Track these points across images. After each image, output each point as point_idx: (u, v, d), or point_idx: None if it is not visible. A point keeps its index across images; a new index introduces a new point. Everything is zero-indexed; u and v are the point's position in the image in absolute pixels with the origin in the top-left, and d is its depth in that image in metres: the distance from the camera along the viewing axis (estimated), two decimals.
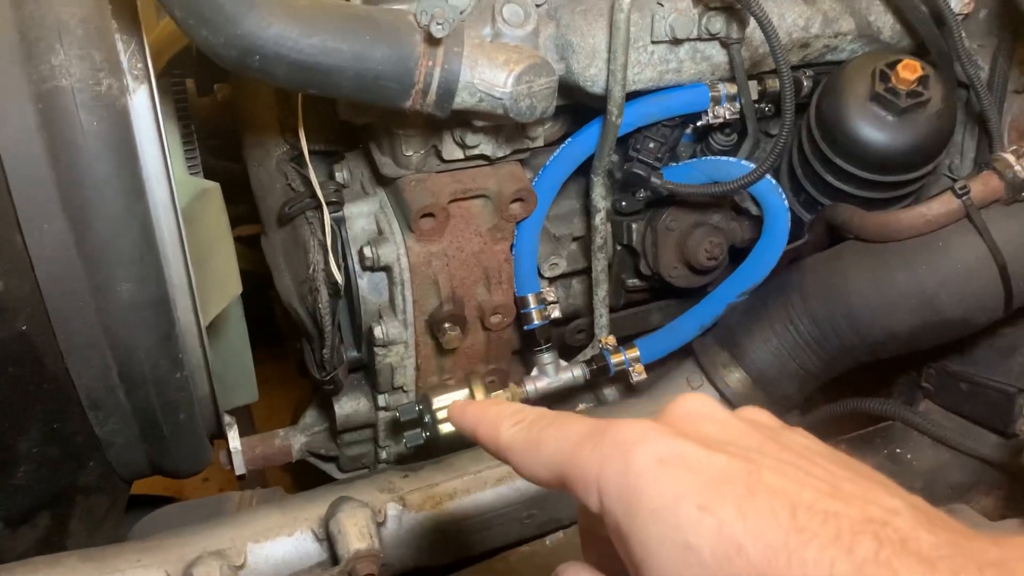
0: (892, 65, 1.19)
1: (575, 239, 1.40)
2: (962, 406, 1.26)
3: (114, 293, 1.04)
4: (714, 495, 0.45)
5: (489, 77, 1.03)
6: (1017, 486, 1.19)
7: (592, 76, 1.18)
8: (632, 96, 1.22)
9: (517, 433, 0.56)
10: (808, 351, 1.23)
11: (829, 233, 1.29)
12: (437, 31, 0.95)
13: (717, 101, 1.25)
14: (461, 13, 1.09)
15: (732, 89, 1.25)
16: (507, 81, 1.03)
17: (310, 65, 0.96)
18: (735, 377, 1.28)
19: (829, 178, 1.27)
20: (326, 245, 1.20)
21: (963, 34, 1.30)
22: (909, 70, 1.17)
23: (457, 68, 1.00)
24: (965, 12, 1.30)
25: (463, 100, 1.03)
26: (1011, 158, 1.09)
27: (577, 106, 1.27)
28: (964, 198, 1.10)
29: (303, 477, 1.77)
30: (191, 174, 1.33)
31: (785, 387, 1.26)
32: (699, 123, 1.27)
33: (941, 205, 1.12)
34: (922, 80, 1.18)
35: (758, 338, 1.26)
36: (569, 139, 1.27)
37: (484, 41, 1.06)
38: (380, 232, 1.25)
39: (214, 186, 1.38)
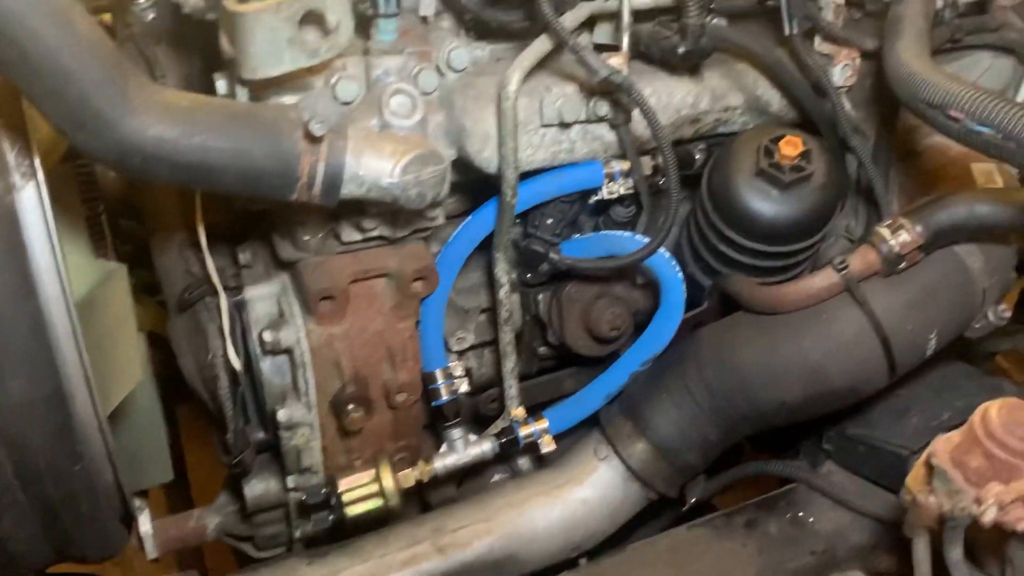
0: (776, 140, 1.23)
1: (483, 311, 1.42)
2: (861, 467, 1.29)
3: (4, 391, 1.03)
4: None
5: (375, 168, 1.04)
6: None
7: (486, 159, 1.21)
8: (528, 175, 1.25)
9: None
10: (707, 421, 1.25)
11: (726, 300, 1.32)
12: (316, 129, 0.96)
13: (611, 177, 1.28)
14: (349, 103, 1.12)
15: (626, 165, 1.28)
16: (394, 171, 1.05)
17: (192, 165, 0.97)
18: (639, 448, 1.30)
19: (723, 248, 1.30)
20: (224, 332, 1.20)
21: (846, 106, 1.36)
22: (791, 146, 1.21)
23: (341, 161, 1.02)
24: (848, 85, 1.35)
25: (351, 191, 1.05)
26: (886, 232, 1.13)
27: (478, 182, 1.30)
28: (844, 272, 1.14)
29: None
30: (98, 256, 1.33)
31: (687, 457, 1.28)
32: (595, 198, 1.30)
33: (823, 279, 1.15)
34: (804, 155, 1.22)
35: (659, 409, 1.28)
36: (470, 217, 1.30)
37: (371, 132, 1.08)
38: (281, 315, 1.25)
39: (119, 268, 1.37)
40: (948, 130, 1.00)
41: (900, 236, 1.13)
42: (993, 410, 0.90)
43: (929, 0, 1.26)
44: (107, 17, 1.52)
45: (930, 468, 0.96)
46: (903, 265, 1.14)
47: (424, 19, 1.25)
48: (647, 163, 1.30)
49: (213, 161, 0.98)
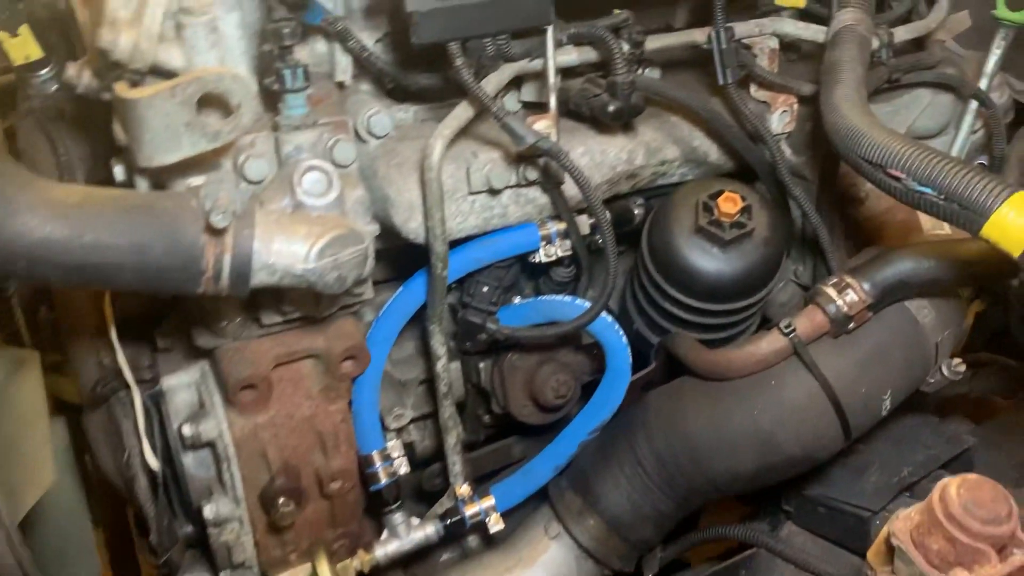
0: (714, 196, 1.18)
1: (422, 382, 1.35)
2: (823, 529, 1.24)
3: None
4: None
5: (288, 254, 0.97)
6: None
7: (413, 229, 1.14)
8: (460, 241, 1.19)
9: None
10: (659, 493, 1.19)
11: (673, 360, 1.27)
12: (217, 221, 0.89)
13: (548, 240, 1.22)
14: (259, 183, 1.05)
15: (563, 226, 1.23)
16: (309, 256, 0.98)
17: (85, 266, 0.89)
18: (591, 524, 1.23)
19: (666, 305, 1.25)
20: (139, 431, 1.12)
21: (786, 152, 1.31)
22: (731, 202, 1.17)
23: (249, 250, 0.95)
24: (787, 131, 1.31)
25: (262, 280, 0.97)
26: (832, 292, 1.09)
27: (409, 247, 1.23)
28: (791, 335, 1.09)
29: None
30: (6, 343, 1.25)
31: (641, 531, 1.22)
32: (533, 260, 1.24)
33: (769, 344, 1.10)
34: (745, 210, 1.17)
35: (610, 482, 1.22)
36: (400, 288, 1.23)
37: (283, 214, 1.01)
38: (202, 405, 1.17)
39: (31, 355, 1.29)
40: (889, 189, 0.96)
41: (847, 296, 1.08)
42: (952, 489, 0.85)
43: (864, 42, 1.22)
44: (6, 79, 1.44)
45: (891, 547, 0.91)
46: (852, 325, 1.09)
47: (341, 85, 1.19)
48: (585, 222, 1.24)
49: (108, 260, 0.90)
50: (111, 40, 0.93)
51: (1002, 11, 1.36)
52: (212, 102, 0.94)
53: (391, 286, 1.32)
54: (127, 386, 1.13)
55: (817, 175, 1.37)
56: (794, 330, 1.09)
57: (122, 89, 0.92)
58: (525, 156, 1.13)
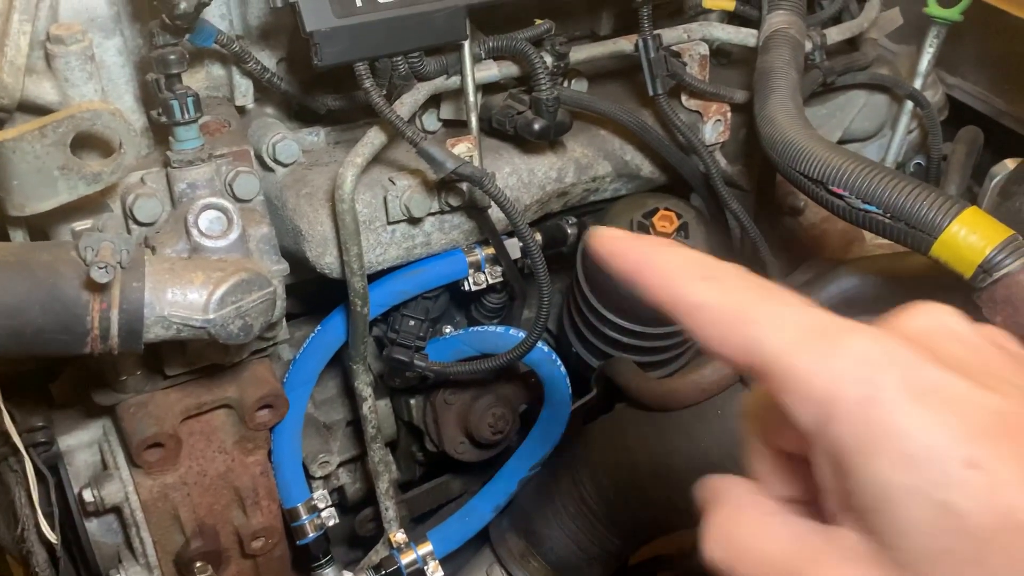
0: (649, 215, 1.12)
1: (349, 423, 1.26)
2: None
3: None
4: (989, 448, 0.36)
5: (184, 304, 0.88)
6: None
7: (328, 264, 1.06)
8: (381, 273, 1.10)
9: (711, 293, 0.43)
10: (605, 531, 1.13)
11: (614, 387, 1.20)
12: (99, 276, 0.79)
13: (476, 266, 1.15)
14: (151, 224, 0.95)
15: (492, 251, 1.15)
16: (208, 305, 0.88)
17: None
18: (534, 567, 1.16)
19: (605, 329, 1.18)
20: (33, 500, 1.01)
21: (721, 162, 1.26)
22: (666, 221, 1.10)
23: (139, 304, 0.85)
24: (721, 141, 1.25)
25: (157, 334, 0.88)
26: None
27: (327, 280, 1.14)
28: None
29: None
30: None
31: (588, 572, 1.16)
32: (462, 288, 1.16)
33: (713, 372, 1.04)
34: (681, 228, 1.11)
35: (553, 523, 1.15)
36: (319, 327, 1.14)
37: (177, 261, 0.91)
38: (105, 467, 1.07)
39: None
40: (831, 206, 0.90)
41: None
42: None
43: (797, 46, 1.16)
44: None
45: None
46: None
47: (242, 109, 1.09)
48: (515, 245, 1.17)
49: None
50: None
51: (933, 8, 1.32)
52: (90, 141, 0.84)
53: (311, 319, 1.24)
54: (16, 452, 1.03)
55: (754, 184, 1.31)
56: None
57: None
58: (447, 181, 1.05)
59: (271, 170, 1.09)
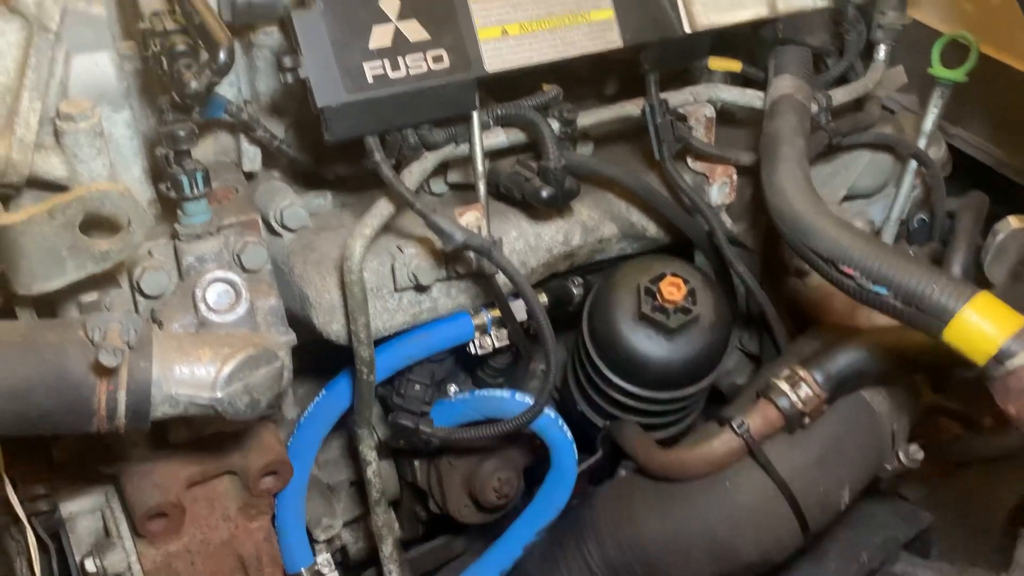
0: (656, 281, 1.12)
1: (352, 483, 1.25)
2: None
3: None
4: None
5: (192, 383, 0.87)
6: None
7: (336, 332, 1.05)
8: (388, 337, 1.10)
9: None
10: None
11: (620, 449, 1.20)
12: (108, 361, 0.79)
13: (483, 330, 1.14)
14: (158, 297, 0.94)
15: (498, 313, 1.15)
16: (216, 383, 0.87)
17: None
18: None
19: (610, 392, 1.18)
20: (35, 571, 1.00)
21: (727, 222, 1.26)
22: (674, 287, 1.10)
23: (147, 384, 0.84)
24: (726, 202, 1.25)
25: (164, 412, 0.87)
26: (785, 387, 1.03)
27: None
28: (744, 435, 1.02)
29: None
30: None
31: None
32: (468, 351, 1.16)
33: (722, 444, 1.04)
34: (689, 294, 1.11)
35: None
36: (323, 391, 1.13)
37: (185, 337, 0.90)
38: (107, 534, 1.06)
39: None
40: (841, 285, 0.90)
41: (801, 391, 1.02)
42: None
43: (803, 111, 1.17)
44: None
45: None
46: (807, 421, 1.03)
47: (249, 174, 1.09)
48: (521, 307, 1.16)
49: None
50: None
51: (938, 69, 1.33)
52: (98, 221, 0.84)
53: (314, 376, 1.23)
54: (16, 520, 1.01)
55: (759, 243, 1.32)
56: (747, 429, 1.02)
57: None
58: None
59: (278, 235, 1.09)
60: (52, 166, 0.87)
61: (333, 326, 1.05)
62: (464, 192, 1.15)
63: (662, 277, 1.12)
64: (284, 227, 1.08)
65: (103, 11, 0.87)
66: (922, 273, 0.83)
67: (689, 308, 1.11)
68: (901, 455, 1.08)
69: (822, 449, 1.04)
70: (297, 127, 1.08)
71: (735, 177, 1.24)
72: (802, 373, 1.02)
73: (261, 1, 0.97)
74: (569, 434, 1.16)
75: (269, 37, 1.02)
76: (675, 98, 1.21)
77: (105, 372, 0.82)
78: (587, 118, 1.15)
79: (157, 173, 0.94)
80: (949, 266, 1.14)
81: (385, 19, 0.94)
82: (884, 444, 1.08)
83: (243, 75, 1.05)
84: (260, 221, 1.03)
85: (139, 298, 0.94)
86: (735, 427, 1.02)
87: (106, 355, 0.79)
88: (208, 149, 1.07)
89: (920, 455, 1.09)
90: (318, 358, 1.21)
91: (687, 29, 1.12)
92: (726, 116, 1.31)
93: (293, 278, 1.07)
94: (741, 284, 1.24)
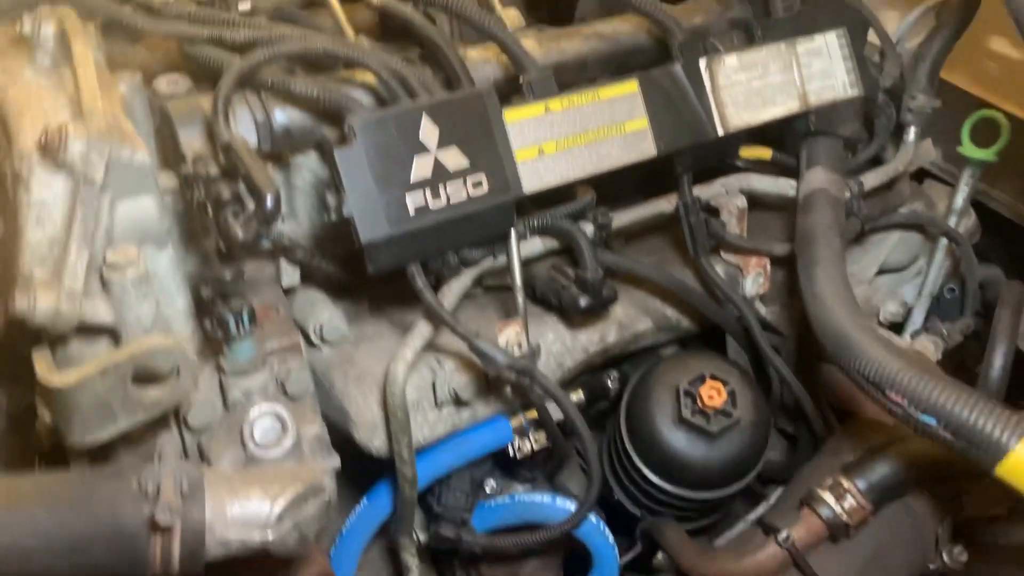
0: (696, 383, 1.12)
1: None
2: None
3: None
4: None
5: (243, 523, 0.87)
6: None
7: (377, 447, 1.05)
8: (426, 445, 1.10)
9: None
10: None
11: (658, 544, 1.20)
12: (164, 520, 0.79)
13: (521, 432, 1.14)
14: (203, 430, 0.95)
15: (534, 414, 1.15)
16: (267, 523, 0.87)
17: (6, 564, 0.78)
18: None
19: (649, 489, 1.18)
20: None
21: (761, 310, 1.26)
22: (715, 392, 1.10)
23: (201, 531, 0.84)
24: (761, 293, 1.25)
25: (215, 555, 0.87)
26: (830, 498, 1.03)
27: None
28: (790, 548, 1.02)
29: None
30: None
31: None
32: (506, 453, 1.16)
33: (767, 557, 1.04)
34: (730, 397, 1.11)
35: None
36: (364, 501, 1.14)
37: (234, 476, 0.90)
38: None
39: None
40: (887, 408, 0.90)
41: (845, 502, 1.02)
42: None
43: (838, 206, 1.16)
44: None
45: None
46: (851, 531, 1.03)
47: (289, 291, 1.09)
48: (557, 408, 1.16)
49: (35, 566, 0.79)
50: (27, 307, 0.83)
51: (968, 149, 1.32)
52: (148, 373, 0.84)
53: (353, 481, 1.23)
54: None
55: (793, 327, 1.31)
56: (793, 542, 1.02)
57: (43, 370, 0.81)
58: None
59: (317, 347, 1.09)
60: (99, 312, 0.87)
61: (375, 442, 1.05)
62: (499, 293, 1.15)
63: (702, 380, 1.12)
64: (323, 341, 1.08)
65: (147, 158, 0.87)
66: (974, 404, 0.83)
67: (730, 412, 1.11)
68: (945, 556, 1.08)
69: (866, 559, 1.04)
70: (335, 238, 1.08)
71: (769, 267, 1.24)
72: (846, 484, 1.02)
73: (299, 130, 0.98)
74: (611, 538, 1.16)
75: (308, 157, 1.03)
76: (706, 191, 1.21)
77: (160, 527, 0.82)
78: (621, 218, 1.15)
79: (200, 308, 0.94)
80: (988, 367, 1.14)
81: (425, 150, 0.94)
82: (928, 547, 1.08)
83: (282, 193, 1.05)
84: (302, 342, 1.03)
85: (185, 431, 0.95)
86: (780, 540, 1.02)
87: (163, 514, 0.80)
88: (246, 266, 1.07)
89: (964, 557, 1.08)
90: (354, 459, 1.21)
91: (720, 132, 1.12)
92: (757, 199, 1.32)
93: (333, 392, 1.07)
94: (776, 375, 1.24)
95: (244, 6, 1.12)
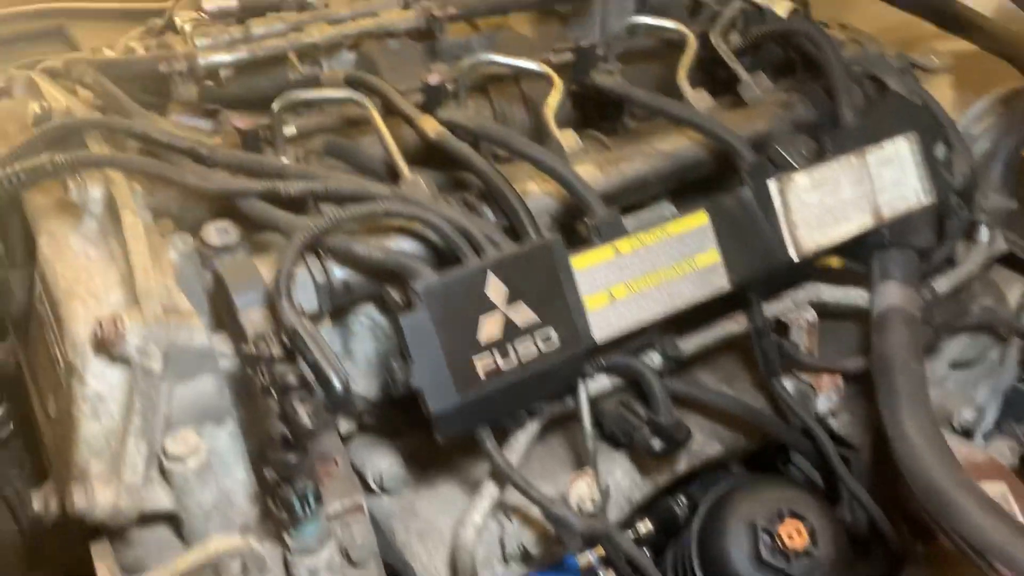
0: (774, 520, 1.06)
1: None
2: None
3: None
4: None
5: None
6: None
7: None
8: None
9: None
10: None
11: None
12: None
13: (590, 571, 1.09)
14: None
15: (601, 551, 1.09)
16: None
17: None
18: None
19: None
20: None
21: (832, 427, 1.21)
22: (795, 531, 1.05)
23: None
24: (834, 411, 1.20)
25: None
26: None
27: None
28: None
29: None
30: None
31: None
32: None
33: None
34: (811, 536, 1.06)
35: None
36: None
37: None
38: None
39: None
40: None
41: None
42: None
43: (915, 325, 1.11)
44: None
45: None
46: None
47: (346, 438, 1.05)
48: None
49: None
50: (86, 504, 0.79)
51: None
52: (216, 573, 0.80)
53: None
54: None
55: (867, 437, 1.26)
56: None
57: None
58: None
59: (376, 494, 1.04)
60: (160, 501, 0.83)
61: None
62: (562, 426, 1.10)
63: (780, 517, 1.06)
64: (383, 490, 1.03)
65: (205, 339, 0.82)
66: None
67: (811, 552, 1.05)
68: None
69: None
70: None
71: (842, 384, 1.19)
72: None
73: (359, 287, 0.93)
74: None
75: (366, 304, 0.99)
76: (775, 307, 1.16)
77: None
78: (689, 345, 1.10)
79: (264, 487, 0.89)
80: None
81: (492, 307, 0.89)
82: None
83: (337, 338, 1.01)
84: (364, 502, 0.98)
85: None
86: None
87: None
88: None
89: None
90: None
91: (795, 257, 1.07)
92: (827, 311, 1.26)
93: (395, 543, 1.03)
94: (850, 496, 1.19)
95: (289, 130, 1.08)
